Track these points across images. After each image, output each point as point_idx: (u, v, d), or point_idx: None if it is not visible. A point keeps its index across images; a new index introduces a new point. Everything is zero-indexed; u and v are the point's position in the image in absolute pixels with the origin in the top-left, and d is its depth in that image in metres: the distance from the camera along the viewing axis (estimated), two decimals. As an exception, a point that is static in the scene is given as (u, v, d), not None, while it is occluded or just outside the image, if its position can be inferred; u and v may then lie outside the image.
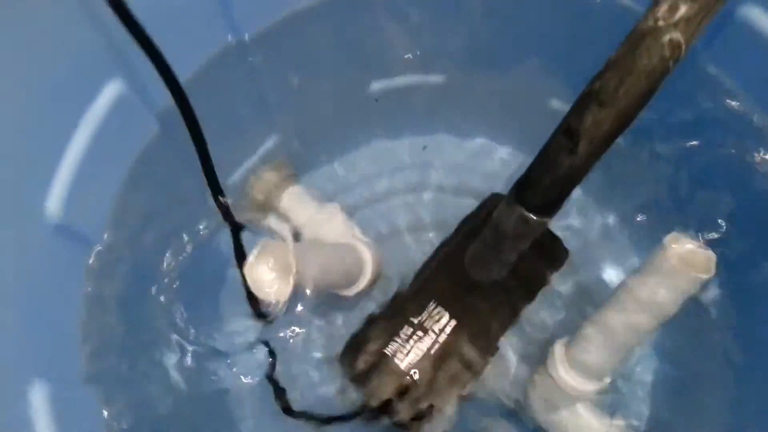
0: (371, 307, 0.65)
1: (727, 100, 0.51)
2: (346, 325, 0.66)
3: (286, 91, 0.62)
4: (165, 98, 0.45)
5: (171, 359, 0.55)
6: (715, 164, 0.54)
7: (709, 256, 0.47)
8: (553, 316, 0.68)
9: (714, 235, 0.54)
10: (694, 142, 0.56)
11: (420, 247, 0.70)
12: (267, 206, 0.63)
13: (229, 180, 0.63)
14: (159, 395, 0.53)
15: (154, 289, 0.54)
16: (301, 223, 0.62)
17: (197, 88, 0.47)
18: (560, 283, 0.69)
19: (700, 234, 0.52)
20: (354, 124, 0.72)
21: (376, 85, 0.67)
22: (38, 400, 0.40)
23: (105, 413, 0.45)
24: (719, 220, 0.54)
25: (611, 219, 0.70)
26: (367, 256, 0.59)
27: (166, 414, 0.52)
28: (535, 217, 0.45)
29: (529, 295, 0.65)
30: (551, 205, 0.45)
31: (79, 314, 0.46)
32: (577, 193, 0.70)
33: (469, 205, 0.67)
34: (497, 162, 0.75)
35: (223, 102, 0.57)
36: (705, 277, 0.47)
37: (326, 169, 0.73)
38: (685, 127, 0.56)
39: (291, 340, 0.64)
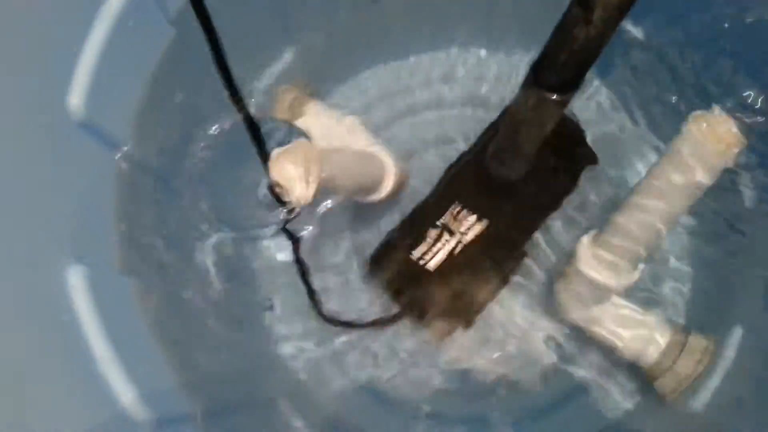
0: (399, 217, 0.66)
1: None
2: (375, 234, 0.67)
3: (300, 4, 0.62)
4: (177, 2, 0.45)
5: (201, 250, 0.57)
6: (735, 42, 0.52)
7: (737, 129, 0.46)
8: (583, 219, 0.67)
9: (744, 115, 0.52)
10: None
11: (445, 161, 0.70)
12: (288, 123, 0.63)
13: (249, 92, 0.63)
14: (190, 286, 0.55)
15: (180, 184, 0.55)
16: (321, 136, 0.63)
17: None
18: (592, 188, 0.68)
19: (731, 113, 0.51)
20: (372, 39, 0.71)
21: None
22: (76, 279, 0.43)
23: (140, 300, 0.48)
24: (747, 98, 0.52)
25: (639, 119, 0.68)
26: (389, 162, 0.59)
27: (198, 304, 0.55)
28: (553, 97, 0.45)
29: (557, 197, 0.64)
30: (569, 83, 0.44)
31: (110, 211, 0.48)
32: (603, 97, 0.69)
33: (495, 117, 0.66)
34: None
35: (239, 10, 0.57)
36: (732, 150, 0.46)
37: (347, 87, 0.72)
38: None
39: (321, 248, 0.66)
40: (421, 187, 0.66)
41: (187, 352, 0.53)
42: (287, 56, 0.66)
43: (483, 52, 0.73)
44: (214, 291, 0.59)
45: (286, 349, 0.65)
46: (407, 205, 0.65)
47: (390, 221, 0.66)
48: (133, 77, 0.51)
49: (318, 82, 0.67)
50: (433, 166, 0.69)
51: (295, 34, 0.66)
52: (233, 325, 0.61)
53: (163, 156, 0.55)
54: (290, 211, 0.48)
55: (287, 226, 0.57)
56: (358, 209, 0.69)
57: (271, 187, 0.48)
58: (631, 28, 0.60)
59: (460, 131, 0.71)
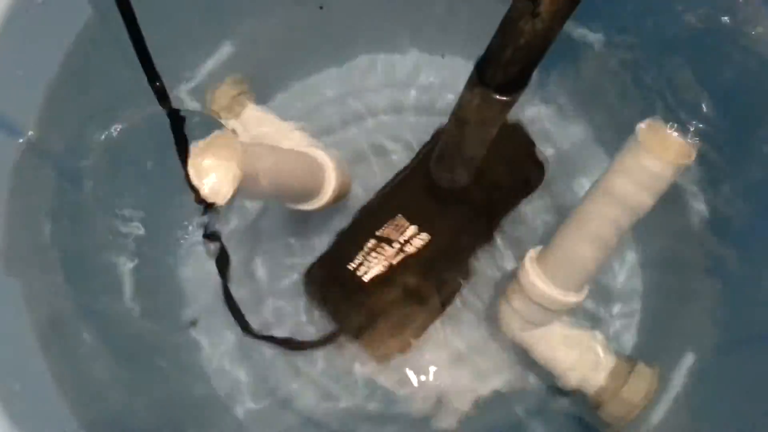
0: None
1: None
2: (319, 247, 0.62)
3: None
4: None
5: (114, 256, 0.52)
6: (688, 49, 0.51)
7: (685, 142, 0.44)
8: (531, 236, 0.64)
9: (693, 126, 0.51)
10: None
11: (390, 171, 0.67)
12: (220, 119, 0.60)
13: (182, 87, 0.60)
14: (102, 302, 0.50)
15: (91, 180, 0.50)
16: (253, 137, 0.59)
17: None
18: (538, 203, 0.66)
19: (679, 125, 0.49)
20: (312, 42, 0.67)
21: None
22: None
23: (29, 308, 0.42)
24: (697, 108, 0.51)
25: (589, 132, 0.67)
26: (329, 166, 0.55)
27: (105, 318, 0.49)
28: (498, 97, 0.42)
29: (504, 211, 0.62)
30: (515, 83, 0.42)
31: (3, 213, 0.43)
32: (551, 108, 0.68)
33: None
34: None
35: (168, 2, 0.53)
36: (681, 163, 0.44)
37: (289, 91, 0.69)
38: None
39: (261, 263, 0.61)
40: (367, 196, 0.62)
41: (85, 378, 0.47)
42: (224, 53, 0.63)
43: (435, 58, 0.70)
44: (126, 303, 0.53)
45: (212, 374, 0.60)
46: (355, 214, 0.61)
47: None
48: (40, 58, 0.46)
49: (258, 85, 0.64)
50: (379, 173, 0.66)
51: (232, 31, 0.62)
52: (148, 345, 0.55)
53: (73, 147, 0.50)
54: (210, 211, 0.43)
55: (212, 230, 0.52)
56: (300, 219, 0.64)
57: (192, 185, 0.43)
58: (582, 33, 0.58)
59: (408, 138, 0.68)
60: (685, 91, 0.51)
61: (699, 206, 0.56)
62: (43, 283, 0.45)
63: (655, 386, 0.53)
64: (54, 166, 0.47)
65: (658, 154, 0.44)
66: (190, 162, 0.43)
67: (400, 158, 0.65)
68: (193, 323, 0.62)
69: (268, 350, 0.61)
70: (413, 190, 0.59)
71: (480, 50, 0.41)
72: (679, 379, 0.56)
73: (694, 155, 0.44)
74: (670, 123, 0.44)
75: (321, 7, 0.64)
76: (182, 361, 0.61)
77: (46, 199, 0.47)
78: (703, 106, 0.51)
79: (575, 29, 0.58)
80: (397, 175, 0.62)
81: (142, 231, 0.54)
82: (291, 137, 0.59)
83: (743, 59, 0.48)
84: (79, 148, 0.50)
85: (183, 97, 0.58)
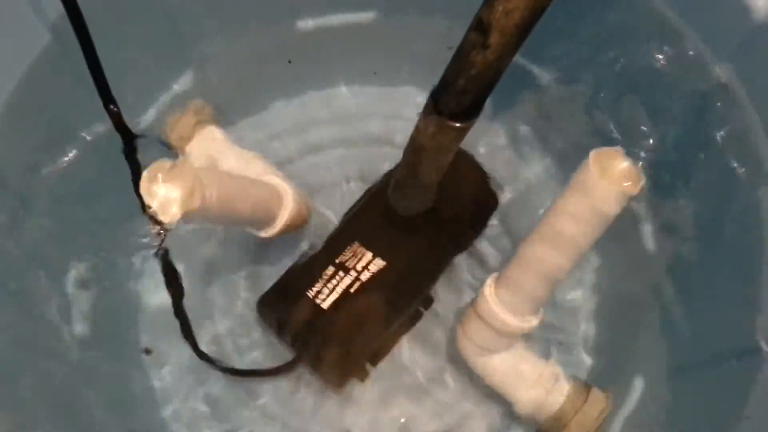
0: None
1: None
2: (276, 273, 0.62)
3: (203, 25, 0.59)
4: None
5: (61, 281, 0.51)
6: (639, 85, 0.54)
7: (636, 171, 0.46)
8: (495, 264, 0.65)
9: (642, 158, 0.53)
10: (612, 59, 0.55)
11: (351, 200, 0.67)
12: (183, 148, 0.59)
13: (143, 116, 0.60)
14: (40, 324, 0.49)
15: (41, 203, 0.50)
16: (208, 161, 0.59)
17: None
18: (499, 230, 0.67)
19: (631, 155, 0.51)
20: (278, 70, 0.68)
21: (303, 24, 0.65)
22: None
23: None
24: (648, 140, 0.53)
25: (548, 162, 0.68)
26: (285, 193, 0.55)
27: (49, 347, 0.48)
28: (452, 124, 0.43)
29: (461, 240, 0.63)
30: (468, 110, 0.43)
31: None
32: (508, 140, 0.69)
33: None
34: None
35: (130, 28, 0.54)
36: (631, 190, 0.45)
37: (252, 119, 0.70)
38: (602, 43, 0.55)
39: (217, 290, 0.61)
40: (326, 227, 0.63)
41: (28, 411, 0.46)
42: (187, 79, 0.63)
43: (394, 90, 0.72)
44: (73, 330, 0.52)
45: (163, 406, 0.59)
46: (315, 243, 0.62)
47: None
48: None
49: (220, 111, 0.64)
50: (340, 203, 0.66)
51: (195, 57, 0.63)
52: (94, 372, 0.54)
53: (23, 170, 0.49)
54: (159, 232, 0.43)
55: (166, 254, 0.51)
56: (259, 246, 0.64)
57: (144, 207, 0.43)
58: (535, 69, 0.61)
59: (368, 168, 0.69)
60: (637, 124, 0.54)
61: (649, 229, 0.57)
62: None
63: (608, 411, 0.54)
64: (6, 188, 0.47)
65: (609, 181, 0.45)
66: (142, 184, 0.43)
67: (361, 188, 0.66)
68: (148, 351, 0.61)
69: (222, 380, 0.60)
70: (372, 218, 0.59)
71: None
72: (630, 403, 0.57)
73: (643, 182, 0.45)
74: (623, 152, 0.46)
75: (289, 61, 0.66)
76: (133, 390, 0.59)
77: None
78: (653, 138, 0.53)
79: (528, 64, 0.60)
80: (357, 202, 0.62)
81: (95, 257, 0.53)
82: (249, 165, 0.59)
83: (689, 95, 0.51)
84: (33, 171, 0.49)
85: (142, 123, 0.57)
